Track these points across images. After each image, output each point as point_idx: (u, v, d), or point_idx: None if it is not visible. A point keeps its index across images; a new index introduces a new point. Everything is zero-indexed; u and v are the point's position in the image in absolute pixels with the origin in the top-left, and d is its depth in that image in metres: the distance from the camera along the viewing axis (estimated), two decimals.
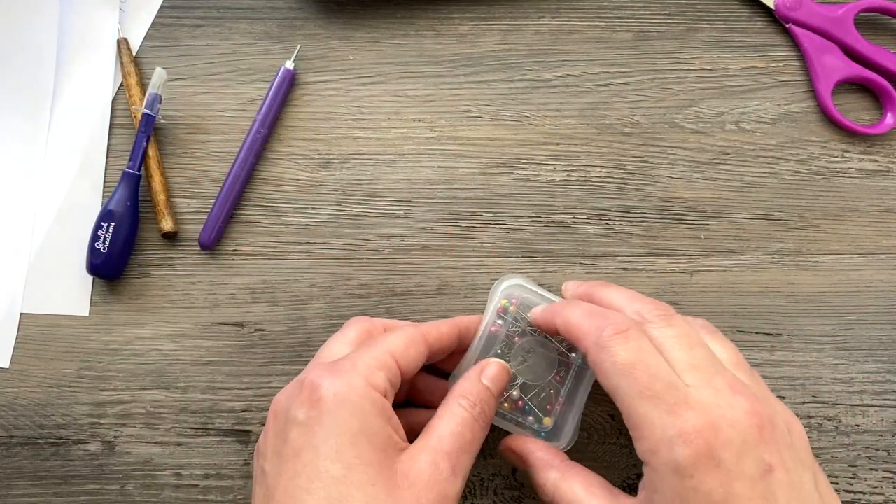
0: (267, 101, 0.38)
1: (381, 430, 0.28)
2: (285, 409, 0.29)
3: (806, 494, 0.27)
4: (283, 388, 0.30)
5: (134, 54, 0.39)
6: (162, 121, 0.39)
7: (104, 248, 0.36)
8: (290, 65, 0.39)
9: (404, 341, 0.31)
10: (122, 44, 0.39)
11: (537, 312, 0.33)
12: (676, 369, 0.28)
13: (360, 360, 0.29)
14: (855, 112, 0.40)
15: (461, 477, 0.29)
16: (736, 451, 0.26)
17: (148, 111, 0.37)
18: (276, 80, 0.38)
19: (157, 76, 0.37)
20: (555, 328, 0.31)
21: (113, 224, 0.36)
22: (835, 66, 0.40)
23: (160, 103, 0.38)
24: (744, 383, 0.28)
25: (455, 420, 0.30)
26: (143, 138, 0.37)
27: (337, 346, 0.32)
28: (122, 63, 0.39)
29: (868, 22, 0.41)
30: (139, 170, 0.37)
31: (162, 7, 0.40)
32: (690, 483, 0.26)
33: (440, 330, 0.33)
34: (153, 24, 0.40)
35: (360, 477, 0.27)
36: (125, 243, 0.37)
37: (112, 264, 0.37)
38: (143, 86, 0.39)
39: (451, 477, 0.29)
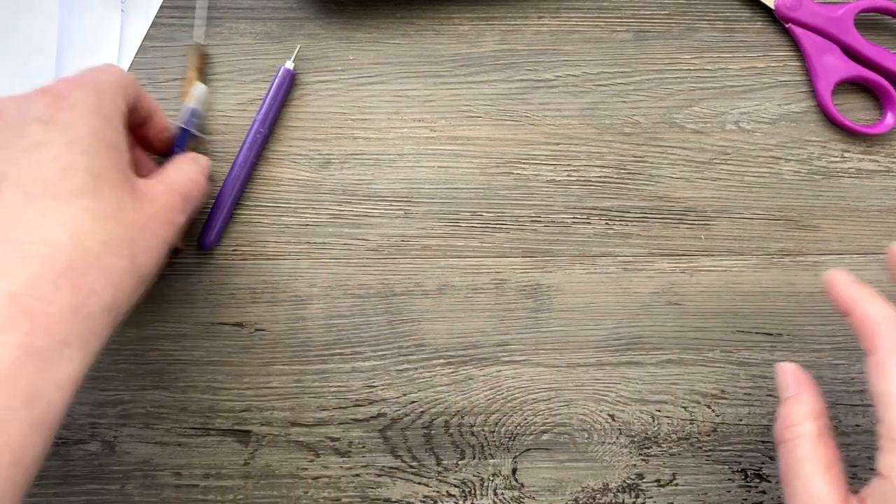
0: (267, 101, 0.38)
1: (126, 150, 0.29)
2: (18, 108, 0.28)
3: None
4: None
5: (133, 57, 0.39)
6: (205, 137, 0.38)
7: None
8: (289, 65, 0.39)
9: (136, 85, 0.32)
10: (195, 49, 0.39)
11: (836, 278, 0.30)
12: None
13: (105, 78, 0.30)
14: (855, 112, 0.40)
15: (186, 217, 0.32)
16: None
17: (183, 125, 0.37)
18: (276, 80, 0.38)
19: (198, 90, 0.37)
20: (847, 312, 0.29)
21: None
22: (835, 66, 0.40)
23: (199, 118, 0.37)
24: None
25: (189, 169, 0.33)
26: (178, 152, 0.36)
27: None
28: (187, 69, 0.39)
29: (868, 22, 0.41)
30: None
31: (162, 7, 0.40)
32: None
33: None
34: (153, 24, 0.40)
35: (112, 177, 0.28)
36: None
37: None
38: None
39: (181, 212, 0.32)
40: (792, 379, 0.31)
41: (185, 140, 0.37)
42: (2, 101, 0.28)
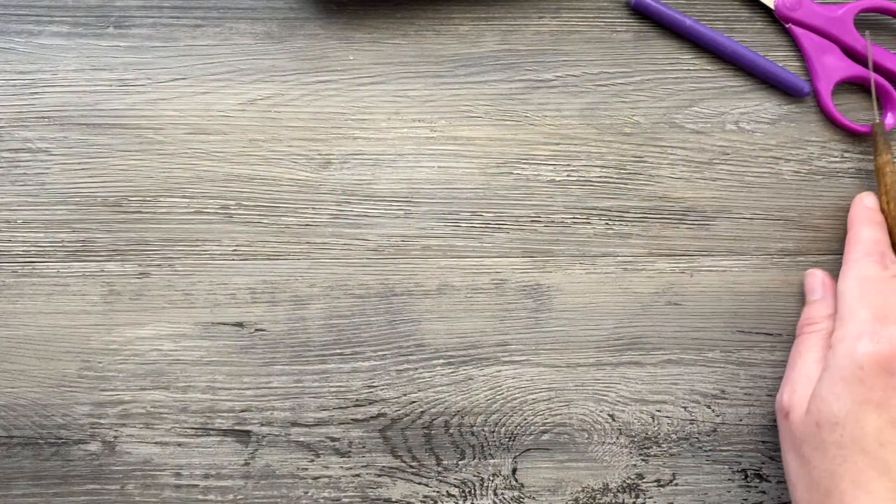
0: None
1: None
2: None
3: None
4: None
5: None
6: None
7: None
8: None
9: None
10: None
11: (859, 201, 0.37)
12: None
13: None
14: (855, 112, 0.40)
15: None
16: None
17: None
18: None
19: None
20: (848, 224, 0.36)
21: None
22: (835, 66, 0.40)
23: None
24: None
25: None
26: None
27: None
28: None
29: (868, 22, 0.41)
30: None
31: (162, 7, 0.40)
32: (860, 373, 0.28)
33: None
34: (153, 24, 0.40)
35: None
36: None
37: None
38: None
39: None
40: (820, 284, 0.36)
41: None
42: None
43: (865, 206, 0.37)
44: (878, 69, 0.40)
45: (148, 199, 0.38)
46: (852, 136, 0.40)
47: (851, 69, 0.40)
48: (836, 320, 0.32)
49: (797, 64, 0.41)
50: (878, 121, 0.38)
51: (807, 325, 0.36)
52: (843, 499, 0.29)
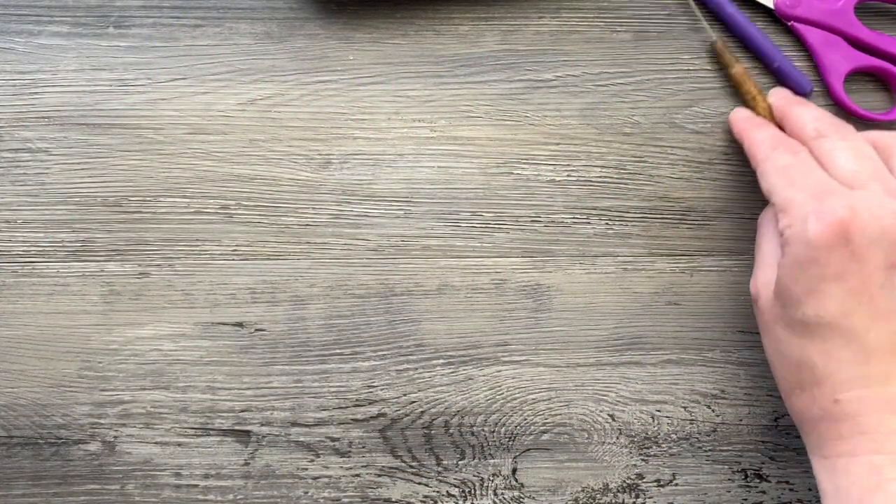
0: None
1: None
2: None
3: None
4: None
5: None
6: None
7: None
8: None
9: None
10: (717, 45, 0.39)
11: (735, 116, 0.37)
12: (837, 175, 0.31)
13: None
14: (866, 102, 0.40)
15: None
16: (868, 239, 0.29)
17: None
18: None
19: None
20: (740, 140, 0.36)
21: None
22: (843, 57, 0.39)
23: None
24: None
25: None
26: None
27: None
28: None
29: (868, 10, 0.41)
30: None
31: (162, 7, 0.40)
32: (813, 253, 0.29)
33: None
34: (153, 24, 0.40)
35: None
36: None
37: None
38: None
39: None
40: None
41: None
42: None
43: (743, 117, 0.37)
44: (885, 56, 0.39)
45: (148, 199, 0.38)
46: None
47: (860, 59, 0.39)
48: (778, 213, 0.32)
49: (797, 64, 0.41)
50: (714, 39, 0.39)
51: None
52: (813, 370, 0.30)
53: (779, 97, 0.37)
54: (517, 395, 0.38)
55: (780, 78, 0.39)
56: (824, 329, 0.30)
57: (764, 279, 0.33)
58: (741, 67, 0.39)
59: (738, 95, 0.39)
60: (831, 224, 0.29)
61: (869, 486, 0.29)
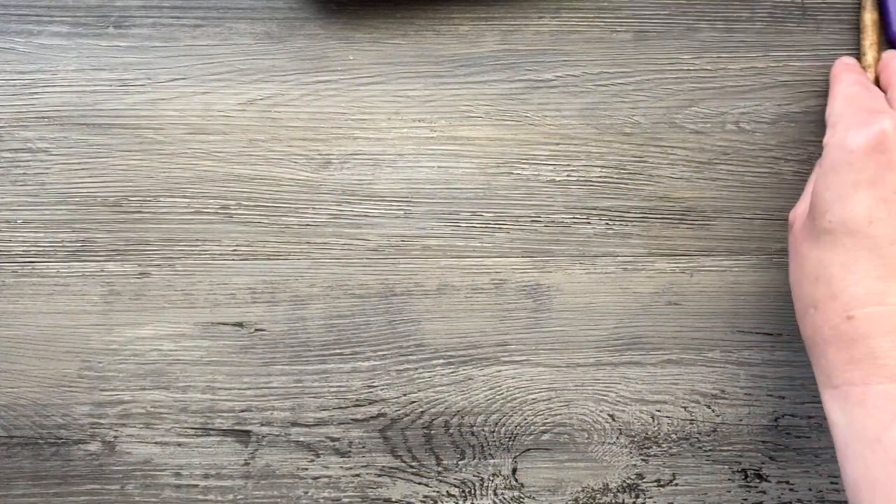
0: None
1: None
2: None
3: None
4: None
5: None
6: None
7: None
8: None
9: None
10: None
11: (838, 60, 0.37)
12: None
13: None
14: None
15: None
16: None
17: None
18: None
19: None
20: (830, 81, 0.36)
21: None
22: None
23: None
24: None
25: None
26: None
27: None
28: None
29: None
30: None
31: (162, 7, 0.40)
32: (849, 157, 0.29)
33: None
34: (153, 24, 0.40)
35: None
36: None
37: None
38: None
39: None
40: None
41: None
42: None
43: (844, 61, 0.37)
44: None
45: (148, 199, 0.38)
46: None
47: None
48: (827, 129, 0.32)
49: (797, 64, 0.40)
50: None
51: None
52: (830, 282, 0.30)
53: (890, 53, 0.37)
54: (517, 395, 0.38)
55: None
56: (847, 238, 0.29)
57: (803, 207, 0.33)
58: (874, 17, 0.38)
59: (857, 42, 0.38)
60: (873, 133, 0.29)
61: (884, 419, 0.28)
